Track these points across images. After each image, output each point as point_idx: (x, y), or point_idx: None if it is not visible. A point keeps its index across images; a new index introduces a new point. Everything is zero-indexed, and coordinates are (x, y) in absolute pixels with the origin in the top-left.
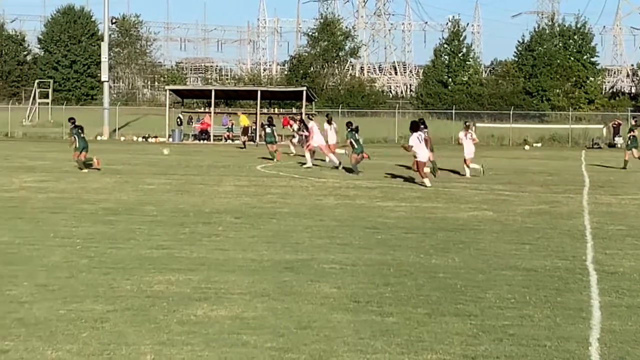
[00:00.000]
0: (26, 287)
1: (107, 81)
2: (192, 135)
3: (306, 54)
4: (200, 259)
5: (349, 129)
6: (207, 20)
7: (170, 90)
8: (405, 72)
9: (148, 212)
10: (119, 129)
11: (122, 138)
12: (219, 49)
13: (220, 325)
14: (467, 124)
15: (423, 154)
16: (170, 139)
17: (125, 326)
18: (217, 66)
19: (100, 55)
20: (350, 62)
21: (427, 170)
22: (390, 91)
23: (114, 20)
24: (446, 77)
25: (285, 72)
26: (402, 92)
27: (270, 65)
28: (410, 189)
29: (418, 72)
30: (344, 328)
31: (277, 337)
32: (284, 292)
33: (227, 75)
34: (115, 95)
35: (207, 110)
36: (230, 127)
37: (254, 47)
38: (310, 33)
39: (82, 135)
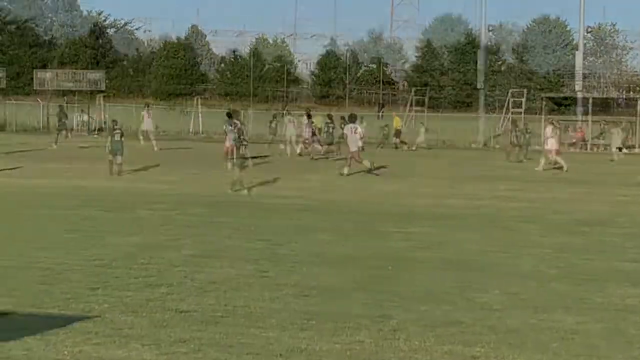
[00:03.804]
0: (497, 294)
1: (581, 90)
2: None
3: None
4: None
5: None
6: None
7: None
8: None
9: (621, 224)
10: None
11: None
12: None
13: None
14: (553, 121)
15: (353, 144)
16: None
17: (597, 339)
18: None
19: (574, 65)
20: None
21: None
22: None
23: (588, 29)
24: None
25: None
26: None
27: None
28: None
29: None
30: None
31: None
32: None
33: None
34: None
35: None
36: None
37: None
38: None
39: None
